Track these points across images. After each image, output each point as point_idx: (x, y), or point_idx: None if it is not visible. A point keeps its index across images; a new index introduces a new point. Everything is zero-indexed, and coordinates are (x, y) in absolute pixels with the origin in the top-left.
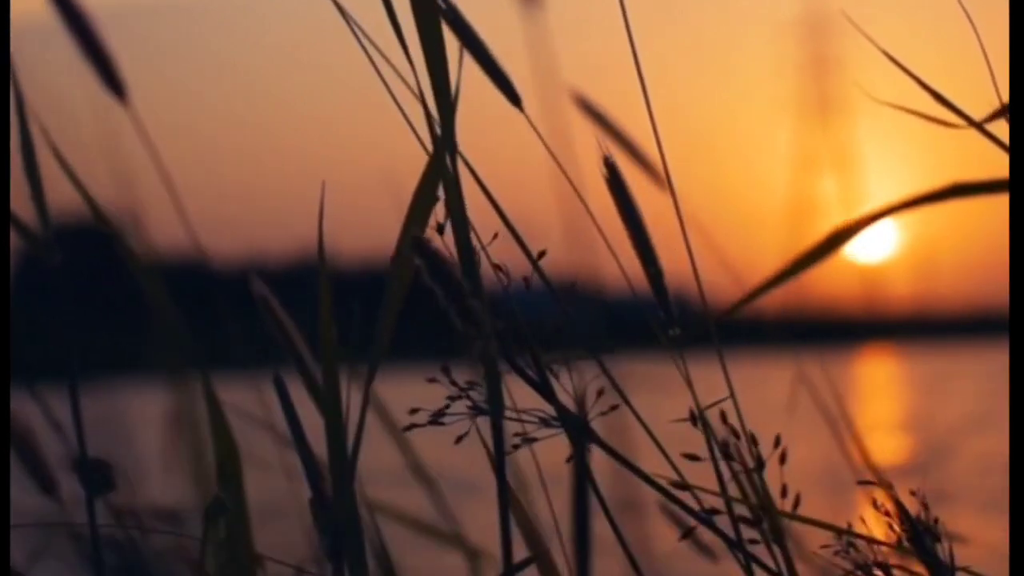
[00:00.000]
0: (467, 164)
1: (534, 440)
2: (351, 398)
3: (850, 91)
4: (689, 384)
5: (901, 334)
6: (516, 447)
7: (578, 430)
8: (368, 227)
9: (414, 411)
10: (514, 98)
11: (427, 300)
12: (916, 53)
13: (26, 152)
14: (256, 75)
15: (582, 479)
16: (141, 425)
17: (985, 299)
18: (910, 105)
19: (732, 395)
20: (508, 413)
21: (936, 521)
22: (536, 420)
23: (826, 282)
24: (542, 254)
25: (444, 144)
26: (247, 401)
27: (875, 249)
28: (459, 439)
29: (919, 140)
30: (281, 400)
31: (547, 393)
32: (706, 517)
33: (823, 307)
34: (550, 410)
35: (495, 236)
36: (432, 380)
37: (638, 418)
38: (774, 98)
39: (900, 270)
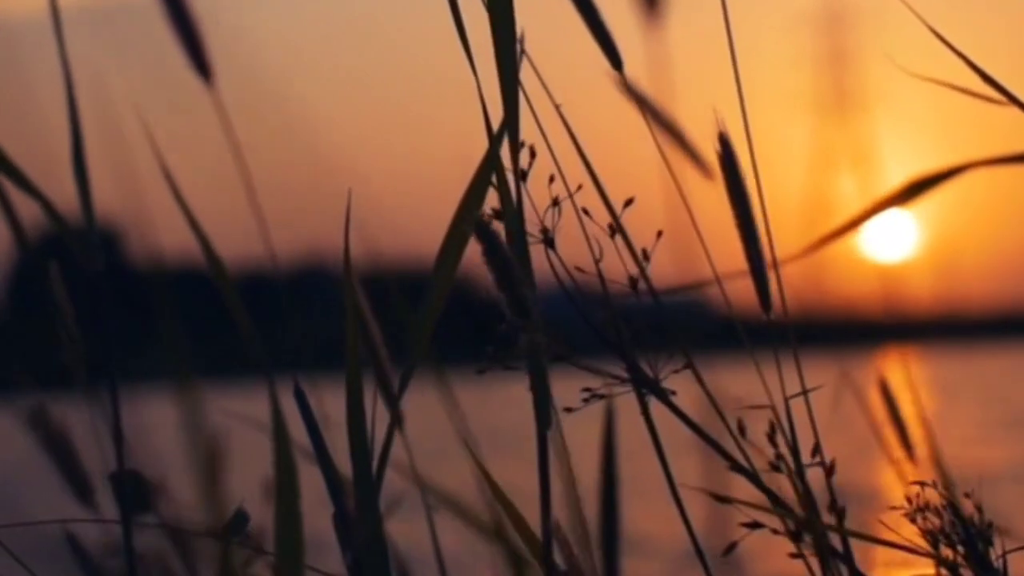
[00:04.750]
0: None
1: (603, 396)
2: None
3: (867, 85)
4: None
5: (923, 336)
6: (586, 401)
7: (650, 387)
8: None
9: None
10: (616, 61)
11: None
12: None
13: (76, 152)
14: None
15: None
16: (151, 434)
17: (1010, 299)
18: (933, 99)
19: (804, 392)
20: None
21: (991, 526)
22: (610, 376)
23: (845, 283)
24: (629, 202)
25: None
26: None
27: (895, 248)
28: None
29: (936, 135)
30: (302, 412)
31: (620, 350)
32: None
33: (842, 308)
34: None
35: (579, 187)
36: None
37: (705, 390)
38: (790, 92)
39: (921, 270)
